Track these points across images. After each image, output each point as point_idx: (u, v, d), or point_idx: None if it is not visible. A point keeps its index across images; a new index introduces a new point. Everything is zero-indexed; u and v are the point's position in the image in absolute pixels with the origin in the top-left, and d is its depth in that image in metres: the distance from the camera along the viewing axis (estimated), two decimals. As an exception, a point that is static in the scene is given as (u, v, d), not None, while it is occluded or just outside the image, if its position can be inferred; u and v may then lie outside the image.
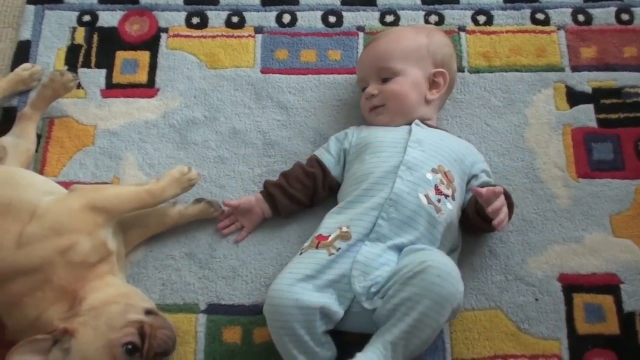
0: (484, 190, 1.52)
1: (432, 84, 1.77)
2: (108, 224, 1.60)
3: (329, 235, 1.57)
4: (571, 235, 1.76)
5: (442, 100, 1.83)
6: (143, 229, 1.75)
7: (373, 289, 1.49)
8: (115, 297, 1.52)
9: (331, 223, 1.61)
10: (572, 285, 1.71)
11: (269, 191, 1.75)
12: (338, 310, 1.50)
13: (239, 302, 1.70)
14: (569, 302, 1.69)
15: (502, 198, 1.53)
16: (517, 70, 1.96)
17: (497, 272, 1.71)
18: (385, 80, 1.76)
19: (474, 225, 1.66)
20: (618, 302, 1.69)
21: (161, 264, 1.75)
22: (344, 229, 1.56)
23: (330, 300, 1.50)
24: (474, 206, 1.61)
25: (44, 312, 1.50)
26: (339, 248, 1.54)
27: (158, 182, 1.69)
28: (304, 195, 1.75)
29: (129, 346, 1.44)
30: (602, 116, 1.90)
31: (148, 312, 1.52)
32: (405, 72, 1.75)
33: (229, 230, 1.77)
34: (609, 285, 1.71)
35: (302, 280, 1.51)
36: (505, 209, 1.54)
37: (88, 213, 1.57)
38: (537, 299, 1.69)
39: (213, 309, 1.69)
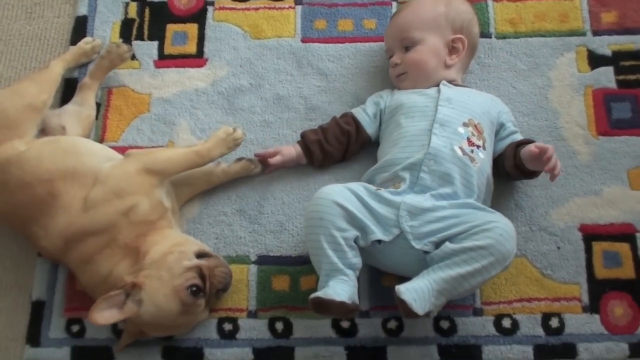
0: (540, 149, 1.60)
1: (452, 49, 1.84)
2: (162, 184, 1.71)
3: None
4: (591, 189, 1.83)
5: (465, 63, 1.89)
6: (191, 187, 1.84)
7: (423, 230, 1.57)
8: (171, 248, 1.62)
9: (377, 178, 1.71)
10: (591, 235, 1.79)
11: (309, 147, 1.85)
12: (375, 230, 1.59)
13: (286, 253, 1.80)
14: (588, 250, 1.77)
15: (554, 154, 1.60)
16: (541, 36, 2.01)
17: (522, 224, 1.80)
18: (407, 49, 1.85)
19: (512, 176, 1.76)
20: (634, 249, 1.77)
21: (214, 220, 1.84)
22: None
23: (368, 222, 1.59)
24: (513, 161, 1.70)
25: (114, 267, 1.61)
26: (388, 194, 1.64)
27: (205, 143, 1.77)
28: (339, 151, 1.85)
29: (193, 288, 1.58)
30: (621, 77, 1.95)
31: (200, 254, 1.64)
32: (424, 40, 1.83)
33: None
34: (625, 234, 1.79)
35: (350, 191, 1.61)
36: (557, 162, 1.61)
37: (144, 175, 1.67)
38: (559, 247, 1.78)
39: (263, 260, 1.80)
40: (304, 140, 1.87)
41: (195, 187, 1.86)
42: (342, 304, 1.51)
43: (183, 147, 1.82)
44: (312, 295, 1.53)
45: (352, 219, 1.58)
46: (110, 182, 1.65)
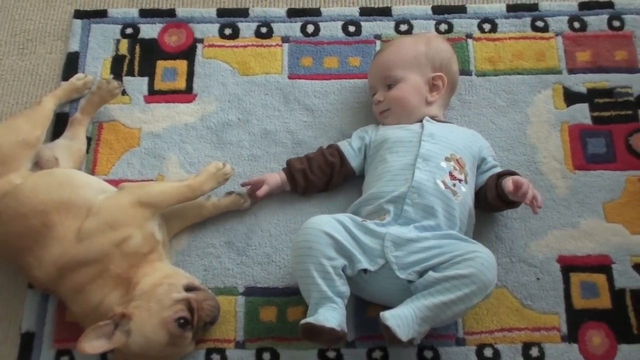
0: (514, 185, 1.67)
1: (433, 86, 1.89)
2: (155, 217, 1.73)
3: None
4: (568, 221, 1.88)
5: (445, 99, 1.94)
6: (182, 220, 1.87)
7: (407, 260, 1.61)
8: (161, 280, 1.65)
9: (363, 210, 1.75)
10: (569, 266, 1.83)
11: (293, 175, 1.88)
12: (362, 260, 1.63)
13: (273, 285, 1.82)
14: (566, 281, 1.81)
15: (530, 186, 1.67)
16: (519, 73, 2.07)
17: (502, 255, 1.83)
18: (390, 87, 1.90)
19: (493, 207, 1.81)
20: (610, 280, 1.81)
21: (203, 252, 1.87)
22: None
23: (355, 252, 1.63)
24: (495, 191, 1.75)
25: (105, 297, 1.63)
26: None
27: (196, 177, 1.80)
28: (322, 181, 1.89)
29: (181, 320, 1.60)
30: (596, 114, 2.00)
31: (189, 287, 1.66)
32: (406, 78, 1.88)
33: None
34: (602, 265, 1.83)
35: (337, 222, 1.65)
36: (536, 194, 1.67)
37: (137, 208, 1.70)
38: (538, 278, 1.81)
39: (250, 292, 1.82)
40: (289, 168, 1.90)
41: (186, 220, 1.88)
42: (332, 330, 1.53)
43: (175, 181, 1.85)
44: (303, 321, 1.56)
45: (340, 249, 1.61)
46: (103, 214, 1.68)
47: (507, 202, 1.75)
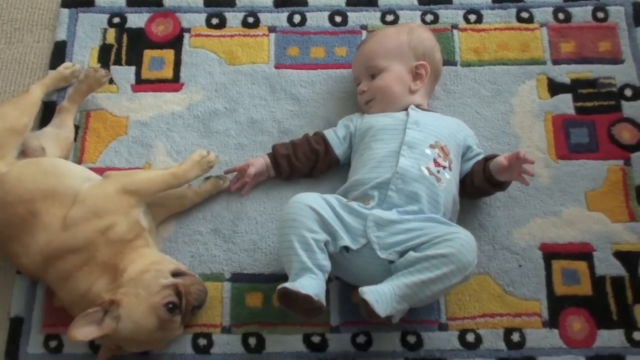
0: (506, 163, 1.68)
1: (416, 75, 1.91)
2: (140, 205, 1.75)
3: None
4: (551, 210, 1.90)
5: (429, 88, 1.96)
6: (165, 208, 1.88)
7: (389, 240, 1.63)
8: (148, 266, 1.66)
9: (348, 196, 1.75)
10: (551, 253, 1.85)
11: (277, 160, 1.91)
12: (344, 237, 1.65)
13: (259, 271, 1.84)
14: (548, 268, 1.84)
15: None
16: (504, 64, 2.09)
17: (485, 243, 1.86)
18: (373, 77, 1.92)
19: (481, 191, 1.83)
20: (591, 267, 1.84)
21: (190, 239, 1.88)
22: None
23: (338, 229, 1.65)
24: (483, 174, 1.77)
25: (92, 284, 1.64)
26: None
27: (181, 165, 1.82)
28: (306, 167, 1.92)
29: (170, 305, 1.62)
30: (579, 104, 2.03)
31: (175, 273, 1.68)
32: (389, 68, 1.90)
33: (237, 187, 1.92)
34: (583, 253, 1.86)
35: (323, 199, 1.67)
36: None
37: (122, 196, 1.72)
38: (520, 265, 1.84)
39: (237, 278, 1.84)
40: (274, 154, 1.93)
41: (169, 209, 1.90)
42: (307, 297, 1.54)
43: (160, 170, 1.87)
44: (280, 286, 1.57)
45: (324, 224, 1.64)
46: (89, 202, 1.69)
47: (495, 183, 1.77)
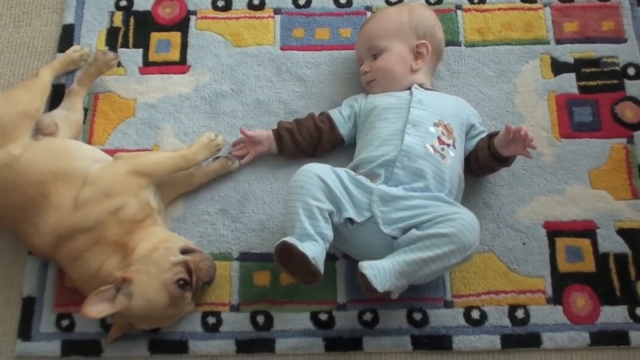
0: (514, 128, 1.69)
1: (417, 54, 1.92)
2: (150, 186, 1.78)
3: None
4: (554, 188, 1.92)
5: (431, 67, 1.97)
6: (173, 189, 1.91)
7: (393, 216, 1.65)
8: (157, 244, 1.69)
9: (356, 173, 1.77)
10: (555, 231, 1.88)
11: (280, 133, 1.93)
12: (349, 210, 1.67)
13: (267, 250, 1.86)
14: (552, 245, 1.86)
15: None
16: (507, 44, 2.10)
17: (490, 221, 1.88)
18: (375, 57, 1.93)
19: (486, 168, 1.84)
20: (594, 244, 1.86)
21: (198, 219, 1.91)
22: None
23: (344, 201, 1.67)
24: (488, 150, 1.78)
25: (103, 263, 1.67)
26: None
27: (190, 148, 1.85)
28: (309, 144, 1.93)
29: (181, 282, 1.65)
30: (582, 83, 2.04)
31: (185, 250, 1.71)
32: (390, 48, 1.91)
33: (239, 153, 1.95)
34: (586, 230, 1.88)
35: (332, 170, 1.69)
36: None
37: (133, 177, 1.74)
38: (524, 243, 1.86)
39: (245, 257, 1.87)
40: (277, 128, 1.95)
41: (177, 189, 1.92)
42: (304, 257, 1.56)
43: (169, 151, 1.89)
44: (279, 241, 1.60)
45: (330, 194, 1.66)
46: (99, 183, 1.72)
47: (500, 159, 1.78)
